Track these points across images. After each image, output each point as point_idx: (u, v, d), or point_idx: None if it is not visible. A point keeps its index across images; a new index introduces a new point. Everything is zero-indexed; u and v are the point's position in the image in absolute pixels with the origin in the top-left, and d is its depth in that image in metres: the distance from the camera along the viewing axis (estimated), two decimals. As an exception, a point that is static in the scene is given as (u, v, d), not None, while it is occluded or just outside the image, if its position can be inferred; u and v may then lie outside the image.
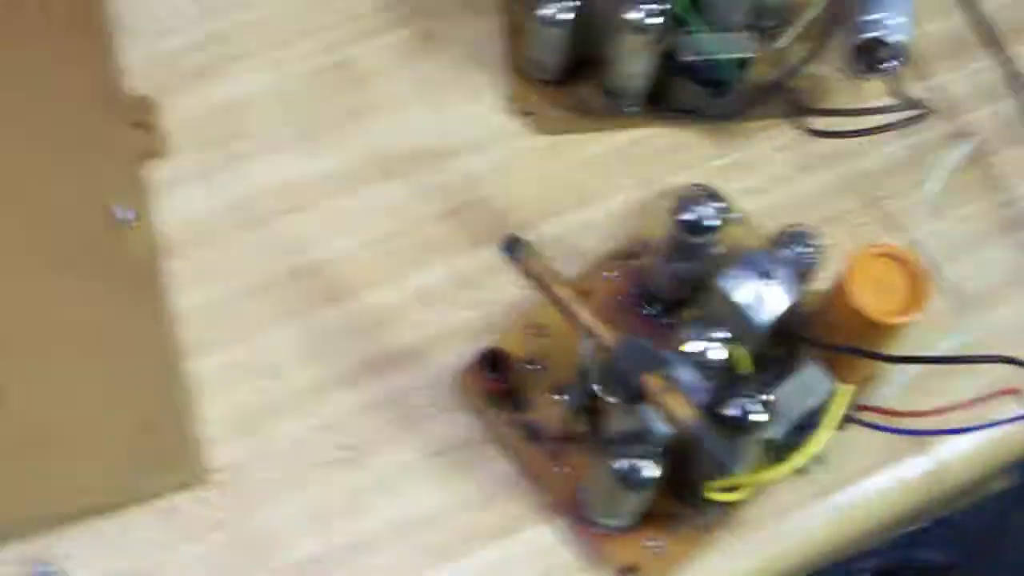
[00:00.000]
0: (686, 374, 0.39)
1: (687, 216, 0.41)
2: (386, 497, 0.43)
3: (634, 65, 0.48)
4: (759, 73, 0.51)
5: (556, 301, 0.39)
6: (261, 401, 0.44)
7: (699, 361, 0.40)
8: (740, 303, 0.41)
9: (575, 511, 0.42)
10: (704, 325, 0.41)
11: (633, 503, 0.40)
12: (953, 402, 0.42)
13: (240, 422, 0.44)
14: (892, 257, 0.42)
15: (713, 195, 0.42)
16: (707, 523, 0.42)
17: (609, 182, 0.50)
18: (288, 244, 0.48)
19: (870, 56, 0.49)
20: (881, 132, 0.50)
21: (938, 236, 0.49)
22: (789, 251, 0.42)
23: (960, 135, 0.52)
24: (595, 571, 0.42)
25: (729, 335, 0.41)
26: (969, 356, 0.44)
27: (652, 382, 0.37)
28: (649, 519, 0.42)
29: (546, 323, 0.45)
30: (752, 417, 0.38)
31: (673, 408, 0.36)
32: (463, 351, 0.45)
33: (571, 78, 0.51)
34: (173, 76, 0.50)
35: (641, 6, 0.46)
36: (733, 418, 0.37)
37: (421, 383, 0.45)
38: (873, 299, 0.41)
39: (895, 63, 0.49)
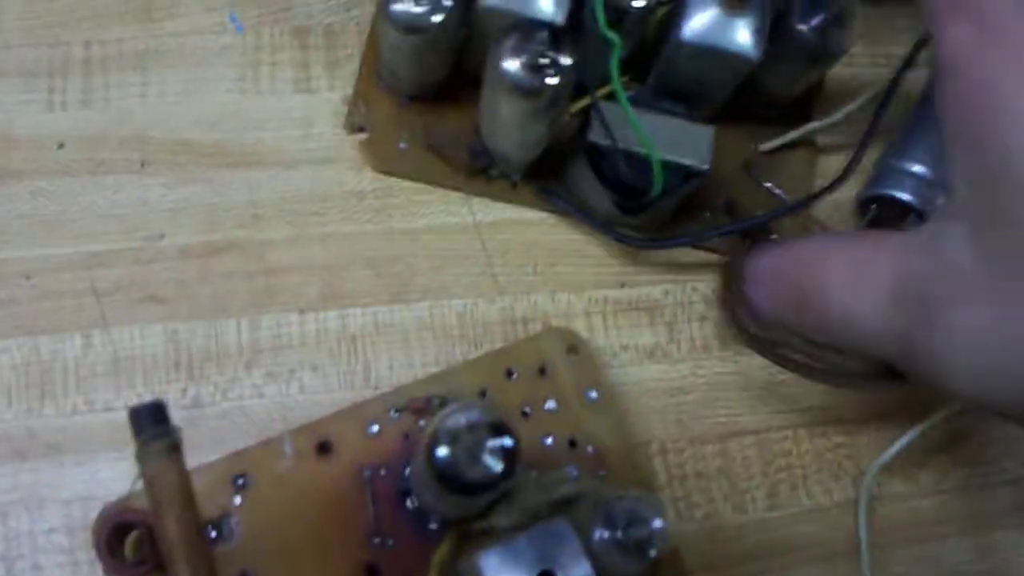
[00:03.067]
0: None
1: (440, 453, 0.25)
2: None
3: (513, 132, 0.30)
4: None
5: (161, 535, 0.23)
6: None
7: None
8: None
9: None
10: None
11: None
12: None
13: None
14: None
15: (499, 428, 0.25)
16: None
17: (445, 275, 0.33)
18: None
19: (879, 215, 0.32)
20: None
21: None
22: (607, 532, 0.26)
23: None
24: None
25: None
26: None
27: None
28: None
29: (250, 472, 0.29)
30: None
31: None
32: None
33: (439, 99, 0.33)
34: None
35: (524, 54, 0.28)
36: None
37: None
38: None
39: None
